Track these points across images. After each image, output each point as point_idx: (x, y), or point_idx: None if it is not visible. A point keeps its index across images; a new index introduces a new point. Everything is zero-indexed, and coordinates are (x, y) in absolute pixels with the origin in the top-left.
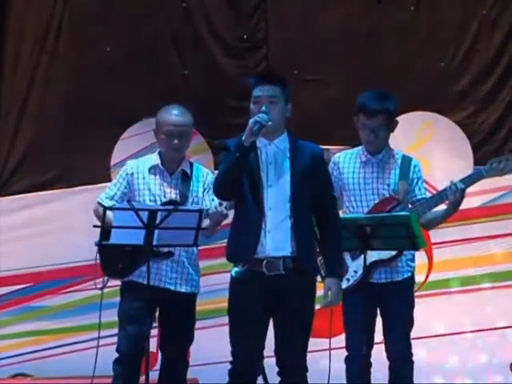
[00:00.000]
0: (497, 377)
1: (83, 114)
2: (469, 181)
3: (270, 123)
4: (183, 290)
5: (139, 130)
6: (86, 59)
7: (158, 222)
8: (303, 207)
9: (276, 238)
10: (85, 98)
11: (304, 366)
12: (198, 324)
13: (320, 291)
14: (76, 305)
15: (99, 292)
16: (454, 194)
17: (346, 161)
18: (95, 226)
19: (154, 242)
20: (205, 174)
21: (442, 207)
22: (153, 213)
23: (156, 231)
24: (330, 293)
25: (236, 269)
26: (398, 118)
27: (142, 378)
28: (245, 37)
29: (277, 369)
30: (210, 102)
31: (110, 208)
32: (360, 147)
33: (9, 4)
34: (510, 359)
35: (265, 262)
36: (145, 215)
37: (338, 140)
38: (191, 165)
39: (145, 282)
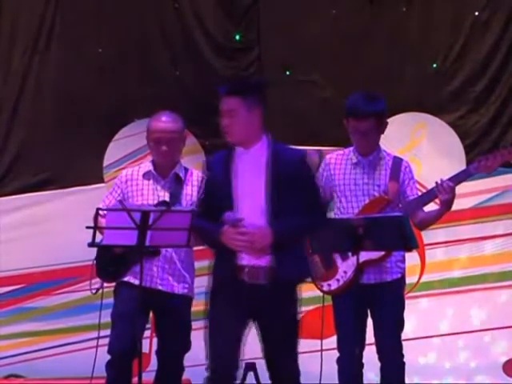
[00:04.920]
0: (487, 377)
1: (76, 114)
2: (457, 179)
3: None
4: (175, 290)
5: (132, 130)
6: (78, 60)
7: (150, 222)
8: (282, 215)
9: None
10: (77, 99)
11: (295, 371)
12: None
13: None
14: (69, 306)
15: (92, 293)
16: (445, 192)
17: (337, 162)
18: (88, 227)
19: (147, 243)
20: (200, 179)
21: (435, 207)
22: (145, 213)
23: (149, 232)
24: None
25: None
26: (390, 119)
27: (135, 380)
28: (237, 37)
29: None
30: (202, 102)
31: (103, 209)
32: (351, 148)
33: (0, 4)
34: (502, 360)
35: (246, 269)
36: (137, 216)
37: (331, 141)
38: (186, 169)
39: (136, 283)
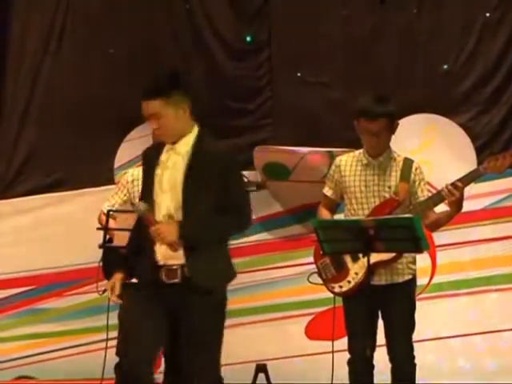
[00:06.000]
0: (499, 378)
1: (87, 115)
2: (466, 179)
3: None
4: None
5: (142, 132)
6: (89, 61)
7: None
8: (200, 212)
9: None
10: (88, 100)
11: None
12: None
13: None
14: (80, 307)
15: (100, 294)
16: (451, 195)
17: (347, 164)
18: (99, 229)
19: None
20: None
21: (446, 208)
22: None
23: None
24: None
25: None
26: (401, 120)
27: None
28: (247, 39)
29: (278, 372)
30: (212, 103)
31: (113, 210)
32: (361, 150)
33: (12, 5)
34: None
35: (163, 269)
36: None
37: (341, 142)
38: None
39: None
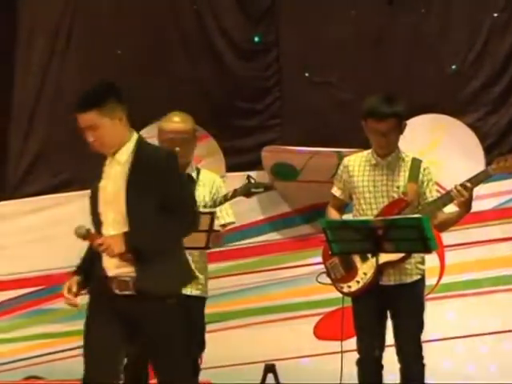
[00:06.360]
0: (508, 379)
1: None
2: (475, 180)
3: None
4: (189, 292)
5: (150, 132)
6: (97, 62)
7: None
8: (145, 222)
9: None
10: None
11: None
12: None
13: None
14: None
15: None
16: (460, 195)
17: (355, 164)
18: None
19: None
20: (212, 180)
21: (455, 208)
22: None
23: None
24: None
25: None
26: (410, 121)
27: (154, 381)
28: (256, 39)
29: (287, 372)
30: (221, 104)
31: None
32: (369, 150)
33: (20, 5)
34: None
35: (114, 280)
36: None
37: (350, 143)
38: (198, 170)
39: None
